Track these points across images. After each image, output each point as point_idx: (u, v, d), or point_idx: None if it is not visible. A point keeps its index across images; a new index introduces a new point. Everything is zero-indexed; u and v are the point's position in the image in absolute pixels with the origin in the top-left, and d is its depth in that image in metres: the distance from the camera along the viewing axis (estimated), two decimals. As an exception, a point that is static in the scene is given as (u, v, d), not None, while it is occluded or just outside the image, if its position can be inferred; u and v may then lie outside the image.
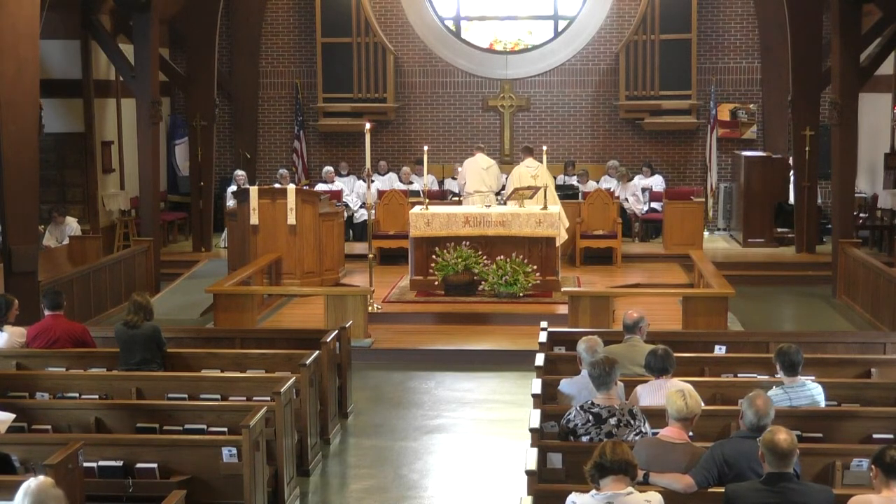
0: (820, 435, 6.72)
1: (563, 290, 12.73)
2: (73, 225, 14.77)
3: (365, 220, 16.60)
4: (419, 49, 19.25)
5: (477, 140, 18.08)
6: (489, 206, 14.16)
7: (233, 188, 16.85)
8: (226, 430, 7.13)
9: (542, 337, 8.92)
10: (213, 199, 17.20)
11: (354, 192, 17.98)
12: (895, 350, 9.21)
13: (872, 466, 5.03)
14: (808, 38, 15.67)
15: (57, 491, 4.57)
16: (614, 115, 18.91)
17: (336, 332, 9.23)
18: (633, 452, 5.15)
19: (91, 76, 16.14)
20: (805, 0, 15.51)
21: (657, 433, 5.98)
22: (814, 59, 15.92)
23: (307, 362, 8.13)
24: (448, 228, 13.58)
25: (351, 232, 17.47)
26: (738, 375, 8.16)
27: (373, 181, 15.86)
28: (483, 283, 13.19)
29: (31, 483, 4.55)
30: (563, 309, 11.97)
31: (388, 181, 18.17)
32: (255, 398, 7.76)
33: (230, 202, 16.53)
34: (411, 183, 17.89)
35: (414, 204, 15.00)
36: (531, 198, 14.16)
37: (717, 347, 9.03)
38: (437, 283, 13.44)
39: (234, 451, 6.58)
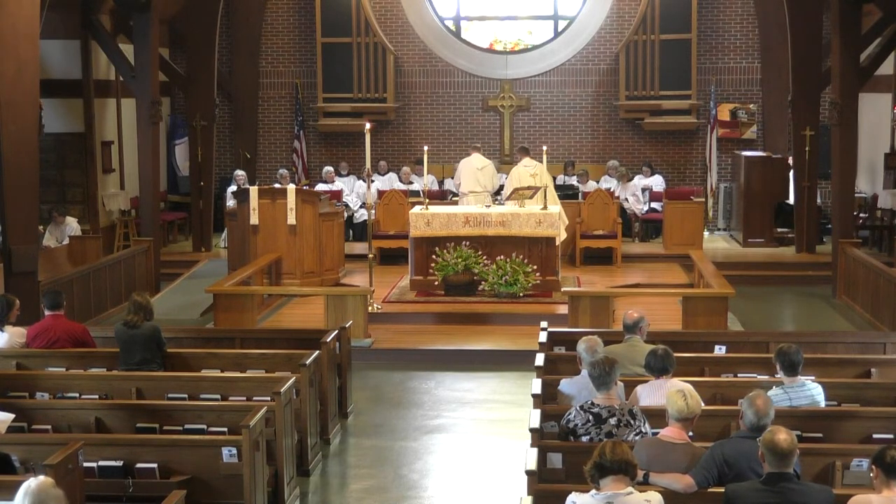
0: (820, 435, 6.72)
1: (563, 290, 12.73)
2: (73, 225, 14.77)
3: (365, 220, 16.59)
4: (419, 49, 19.25)
5: (477, 140, 18.07)
6: (489, 206, 14.15)
7: (233, 188, 16.85)
8: (226, 430, 7.13)
9: (542, 337, 8.92)
10: (213, 199, 17.20)
11: (354, 192, 17.98)
12: (895, 350, 9.21)
13: (873, 466, 5.03)
14: (808, 38, 15.67)
15: (57, 491, 4.57)
16: (614, 115, 18.91)
17: (336, 332, 9.23)
18: (633, 452, 5.15)
19: (91, 76, 16.14)
20: (805, 0, 15.51)
21: (657, 433, 5.98)
22: (814, 59, 15.92)
23: (307, 362, 8.13)
24: (448, 228, 13.58)
25: (351, 232, 17.47)
26: (738, 375, 8.16)
27: (373, 181, 15.86)
28: (483, 283, 13.19)
29: (31, 483, 4.55)
30: (563, 309, 11.97)
31: (388, 181, 18.17)
32: (255, 398, 7.76)
33: (230, 202, 16.52)
34: (411, 183, 17.89)
35: (414, 204, 15.00)
36: (531, 198, 14.16)
37: (717, 347, 9.03)
38: (437, 283, 13.44)
39: (234, 451, 6.58)
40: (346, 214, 16.64)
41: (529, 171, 14.68)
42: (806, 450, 5.89)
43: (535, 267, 13.18)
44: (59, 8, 13.94)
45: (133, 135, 15.98)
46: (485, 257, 13.30)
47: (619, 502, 4.92)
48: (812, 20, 15.73)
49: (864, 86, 14.69)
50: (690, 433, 5.92)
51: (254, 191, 14.14)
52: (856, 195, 15.72)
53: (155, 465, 6.60)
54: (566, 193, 16.84)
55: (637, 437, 6.12)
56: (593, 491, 5.00)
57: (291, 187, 14.18)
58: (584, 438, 6.24)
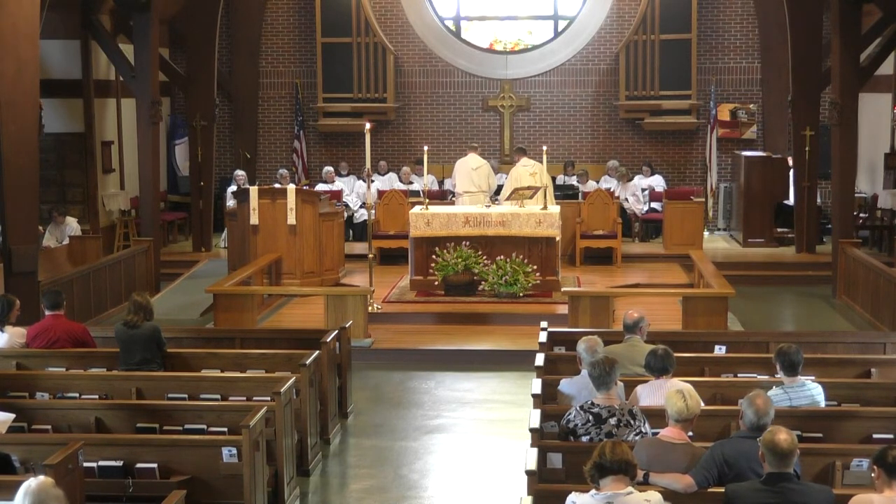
0: (820, 435, 6.72)
1: (563, 290, 12.73)
2: (73, 225, 14.77)
3: (365, 220, 16.59)
4: (419, 49, 19.25)
5: (476, 140, 18.05)
6: (489, 206, 14.15)
7: (233, 188, 16.85)
8: (226, 430, 7.13)
9: (542, 337, 8.92)
10: (213, 199, 17.20)
11: (354, 192, 17.98)
12: (895, 350, 9.21)
13: (874, 467, 5.03)
14: (808, 38, 15.67)
15: (57, 491, 4.57)
16: (614, 115, 18.91)
17: (336, 332, 9.23)
18: (634, 452, 5.15)
19: (91, 76, 16.14)
20: (805, 0, 15.51)
21: (657, 433, 5.98)
22: (814, 59, 15.92)
23: (307, 362, 8.13)
24: (448, 228, 13.58)
25: (351, 232, 17.47)
26: (738, 375, 8.15)
27: (373, 181, 15.86)
28: (483, 283, 13.18)
29: (32, 483, 4.55)
30: (563, 309, 11.97)
31: (388, 181, 18.17)
32: (255, 398, 7.76)
33: (230, 202, 16.53)
34: (411, 183, 17.89)
35: (414, 204, 15.00)
36: (531, 198, 14.16)
37: (717, 347, 9.03)
38: (437, 283, 13.44)
39: (234, 451, 6.58)
40: (346, 214, 16.64)
41: (529, 170, 14.68)
42: (806, 450, 5.89)
43: (535, 267, 13.18)
44: (59, 8, 13.94)
45: (133, 135, 15.98)
46: (485, 257, 13.30)
47: (619, 502, 4.93)
48: (812, 20, 15.73)
49: (864, 86, 14.69)
50: (690, 433, 5.92)
51: (254, 191, 14.14)
52: (856, 195, 15.72)
53: (155, 465, 6.60)
54: (566, 193, 16.85)
55: (637, 437, 6.12)
56: (593, 491, 5.00)
57: (291, 187, 14.18)
58: (584, 438, 6.24)
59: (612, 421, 6.22)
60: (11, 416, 7.02)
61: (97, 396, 7.88)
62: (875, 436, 6.75)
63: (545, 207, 13.76)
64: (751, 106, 18.90)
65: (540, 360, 8.12)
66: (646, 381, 7.04)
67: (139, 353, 8.32)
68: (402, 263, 15.01)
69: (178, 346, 9.06)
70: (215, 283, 12.32)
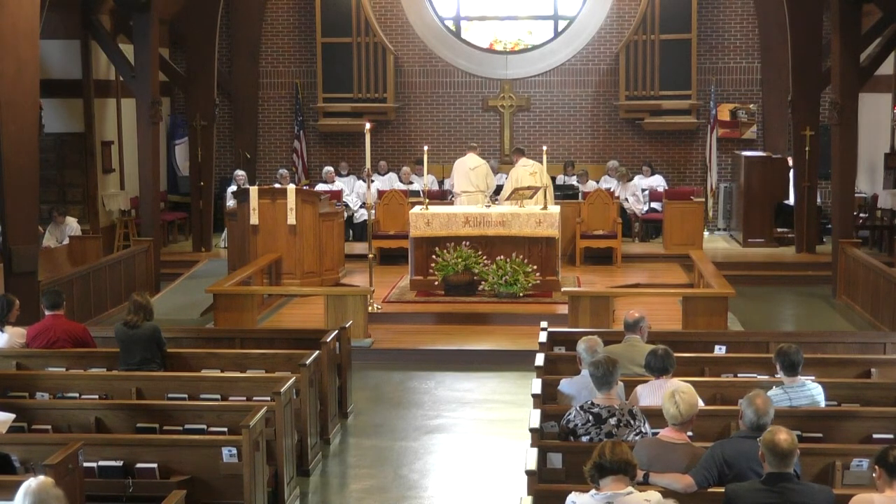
0: (820, 435, 6.72)
1: (563, 290, 12.73)
2: (73, 225, 14.77)
3: (365, 220, 16.59)
4: (419, 49, 19.25)
5: (476, 140, 18.05)
6: (489, 206, 14.15)
7: (233, 188, 16.85)
8: (226, 430, 7.13)
9: (542, 337, 8.92)
10: (213, 199, 17.20)
11: (354, 192, 17.98)
12: (895, 350, 9.21)
13: (875, 467, 5.03)
14: (808, 38, 15.67)
15: (57, 491, 4.57)
16: (614, 115, 18.91)
17: (336, 332, 9.23)
18: (634, 453, 5.15)
19: (91, 76, 16.14)
20: (805, 0, 15.51)
21: (657, 433, 5.98)
22: (814, 59, 15.92)
23: (307, 362, 8.13)
24: (448, 228, 13.58)
25: (351, 232, 17.47)
26: (738, 375, 8.15)
27: (373, 181, 15.86)
28: (483, 283, 13.18)
29: (31, 483, 4.55)
30: (563, 309, 11.97)
31: (388, 181, 18.17)
32: (255, 398, 7.76)
33: (230, 202, 16.53)
34: (411, 183, 17.89)
35: (414, 204, 15.00)
36: (531, 198, 14.16)
37: (717, 347, 9.03)
38: (437, 283, 13.44)
39: (234, 451, 6.58)
40: (346, 214, 16.64)
41: (529, 170, 14.67)
42: (806, 450, 5.89)
43: (535, 267, 13.18)
44: (59, 8, 13.94)
45: (133, 135, 15.98)
46: (485, 257, 13.30)
47: (619, 502, 4.92)
48: (812, 20, 15.73)
49: (864, 86, 14.69)
50: (690, 433, 5.92)
51: (254, 191, 14.14)
52: (856, 195, 15.72)
53: (155, 465, 6.60)
54: (566, 193, 16.84)
55: (637, 437, 6.12)
56: (593, 491, 5.00)
57: (291, 187, 14.18)
58: (584, 438, 6.24)
59: (612, 421, 6.22)
60: (11, 416, 7.02)
61: (97, 396, 7.88)
62: (875, 436, 6.75)
63: (545, 207, 13.76)
64: (751, 106, 18.90)
65: (540, 360, 8.12)
66: (646, 381, 7.03)
67: (139, 353, 8.32)
68: (402, 263, 15.01)
69: (178, 346, 9.05)
70: (215, 283, 12.32)
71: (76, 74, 16.03)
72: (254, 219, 13.90)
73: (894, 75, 16.34)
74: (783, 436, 5.08)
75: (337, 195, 16.93)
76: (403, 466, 8.25)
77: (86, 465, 6.36)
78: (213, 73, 16.84)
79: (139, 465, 6.60)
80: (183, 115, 18.43)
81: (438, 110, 19.32)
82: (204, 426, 7.21)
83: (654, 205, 17.55)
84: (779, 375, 6.98)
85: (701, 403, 6.79)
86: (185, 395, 7.89)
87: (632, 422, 6.23)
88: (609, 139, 19.07)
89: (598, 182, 17.76)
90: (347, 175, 18.46)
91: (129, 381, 8.03)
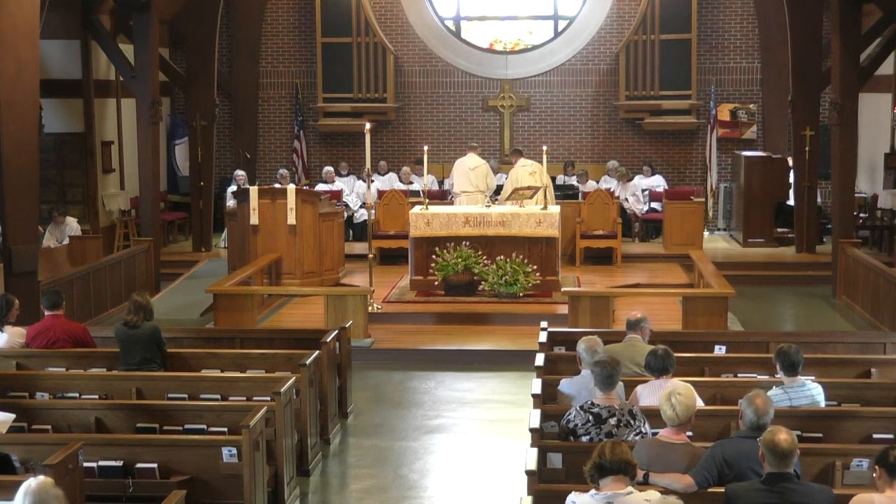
0: (820, 435, 6.72)
1: (563, 290, 12.73)
2: (73, 225, 14.77)
3: (365, 220, 16.59)
4: (419, 49, 19.25)
5: (476, 140, 18.04)
6: (489, 206, 14.15)
7: (233, 188, 16.85)
8: (226, 430, 7.13)
9: (542, 337, 8.92)
10: (213, 199, 17.20)
11: (354, 192, 17.98)
12: (895, 350, 9.21)
13: (876, 467, 5.03)
14: (808, 38, 15.67)
15: (57, 491, 4.57)
16: (614, 115, 18.91)
17: (336, 332, 9.23)
18: (633, 453, 5.15)
19: (91, 76, 16.14)
20: (805, 0, 15.51)
21: (657, 433, 5.98)
22: (814, 59, 15.92)
23: (307, 362, 8.13)
24: (448, 228, 13.58)
25: (351, 232, 17.47)
26: (738, 375, 8.15)
27: (373, 181, 15.86)
28: (483, 283, 13.18)
29: (31, 483, 4.55)
30: (563, 309, 11.97)
31: (388, 181, 18.17)
32: (255, 398, 7.76)
33: (230, 202, 16.53)
34: (411, 183, 17.89)
35: (414, 204, 15.00)
36: (531, 198, 14.16)
37: (717, 347, 9.03)
38: (437, 283, 13.44)
39: (234, 451, 6.58)
40: (346, 214, 16.64)
41: (528, 170, 14.67)
42: (806, 450, 5.89)
43: (535, 267, 13.18)
44: (59, 8, 13.94)
45: (133, 135, 15.98)
46: (485, 257, 13.30)
47: (619, 502, 4.92)
48: (812, 20, 15.73)
49: (864, 86, 14.69)
50: (690, 433, 5.92)
51: (254, 191, 14.14)
52: (856, 195, 15.72)
53: (155, 465, 6.60)
54: (566, 193, 16.85)
55: (637, 438, 6.12)
56: (593, 491, 5.00)
57: (291, 187, 14.18)
58: (584, 438, 6.24)
59: (612, 421, 6.22)
60: (11, 416, 7.01)
61: (97, 396, 7.88)
62: (875, 436, 6.75)
63: (545, 207, 13.76)
64: (751, 106, 18.90)
65: (540, 360, 8.12)
66: (646, 381, 7.03)
67: (139, 353, 8.32)
68: (402, 263, 15.01)
69: (178, 346, 9.05)
70: (215, 283, 12.32)
71: (76, 74, 16.03)
72: (254, 219, 13.90)
73: (894, 75, 16.34)
74: (783, 436, 5.08)
75: (337, 195, 16.94)
76: (403, 466, 8.25)
77: (86, 465, 6.36)
78: (213, 73, 16.84)
79: (139, 465, 6.60)
80: (183, 115, 18.42)
81: (438, 110, 19.32)
82: (204, 426, 7.21)
83: (654, 205, 17.55)
84: (779, 375, 6.98)
85: (701, 403, 6.81)
86: (185, 395, 7.89)
87: (632, 422, 6.23)
88: (609, 139, 19.07)
89: (598, 182, 17.77)
90: (347, 175, 18.46)
91: (129, 381, 8.03)
